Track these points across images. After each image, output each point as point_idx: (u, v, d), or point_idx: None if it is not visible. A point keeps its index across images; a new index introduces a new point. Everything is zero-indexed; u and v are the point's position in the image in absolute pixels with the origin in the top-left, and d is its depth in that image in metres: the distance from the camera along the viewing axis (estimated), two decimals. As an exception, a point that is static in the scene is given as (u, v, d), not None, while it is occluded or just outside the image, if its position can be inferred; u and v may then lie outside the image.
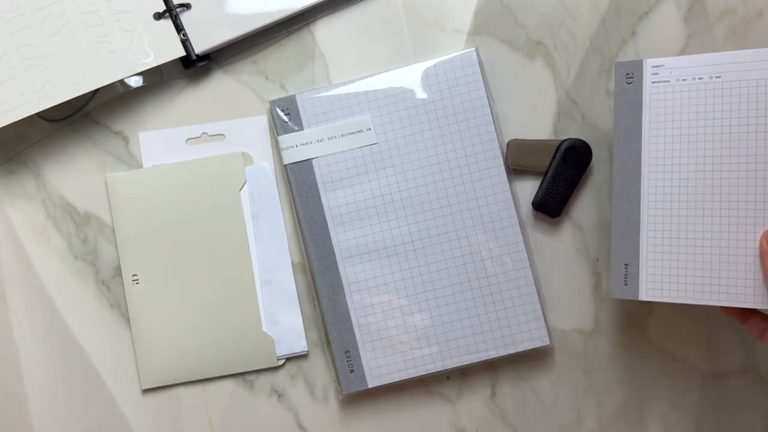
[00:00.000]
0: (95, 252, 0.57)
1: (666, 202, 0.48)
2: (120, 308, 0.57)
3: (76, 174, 0.57)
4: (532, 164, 0.56)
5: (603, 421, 0.57)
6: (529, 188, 0.57)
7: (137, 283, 0.56)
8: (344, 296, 0.55)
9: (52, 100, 0.53)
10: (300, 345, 0.56)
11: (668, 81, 0.48)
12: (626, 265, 0.49)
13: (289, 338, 0.56)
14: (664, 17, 0.57)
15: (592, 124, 0.57)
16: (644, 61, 0.49)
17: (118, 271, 0.57)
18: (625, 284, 0.49)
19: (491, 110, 0.55)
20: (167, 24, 0.56)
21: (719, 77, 0.47)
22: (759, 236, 0.46)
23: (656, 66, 0.48)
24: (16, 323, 0.57)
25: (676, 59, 0.48)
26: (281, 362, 0.56)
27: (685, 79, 0.48)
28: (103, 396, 0.57)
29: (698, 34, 0.57)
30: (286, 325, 0.56)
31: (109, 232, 0.57)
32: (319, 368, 0.57)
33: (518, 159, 0.56)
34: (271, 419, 0.57)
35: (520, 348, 0.54)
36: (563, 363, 0.57)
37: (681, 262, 0.48)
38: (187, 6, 0.56)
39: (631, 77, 0.49)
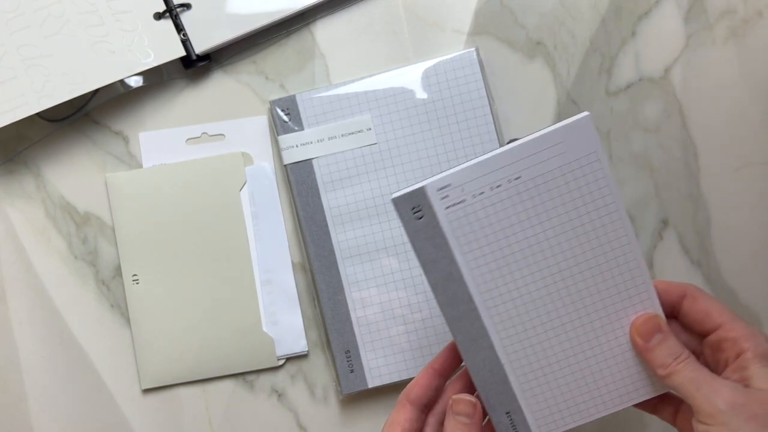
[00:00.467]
0: (95, 252, 0.57)
1: (519, 333, 0.42)
2: (120, 308, 0.57)
3: (76, 174, 0.57)
4: (532, 164, 0.56)
5: (603, 421, 0.56)
6: (529, 188, 0.57)
7: (137, 283, 0.56)
8: (344, 296, 0.55)
9: (52, 100, 0.53)
10: (300, 345, 0.56)
11: (464, 200, 0.40)
12: (508, 413, 0.43)
13: (289, 338, 0.56)
14: (664, 17, 0.57)
15: (592, 124, 0.57)
16: (425, 187, 0.40)
17: (118, 271, 0.57)
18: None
19: (491, 110, 0.55)
20: (167, 24, 0.56)
21: (518, 178, 0.40)
22: (618, 331, 0.42)
23: (442, 188, 0.40)
24: (16, 323, 0.57)
25: (460, 172, 0.40)
26: (281, 362, 0.56)
27: (482, 192, 0.40)
28: (103, 396, 0.57)
29: (698, 34, 0.57)
30: (286, 325, 0.56)
31: (109, 232, 0.57)
32: (319, 368, 0.57)
33: (518, 159, 0.56)
34: (271, 419, 0.57)
35: None
36: (563, 363, 0.57)
37: (557, 389, 0.42)
38: (187, 6, 0.56)
39: (419, 210, 0.40)
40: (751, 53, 0.57)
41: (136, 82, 0.57)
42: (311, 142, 0.55)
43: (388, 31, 0.58)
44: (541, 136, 0.40)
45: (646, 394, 0.43)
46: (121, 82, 0.56)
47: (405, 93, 0.55)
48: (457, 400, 0.42)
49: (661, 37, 0.57)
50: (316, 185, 0.55)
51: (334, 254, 0.55)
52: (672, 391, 0.40)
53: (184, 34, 0.56)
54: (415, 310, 0.55)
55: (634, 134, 0.57)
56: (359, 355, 0.54)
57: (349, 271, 0.55)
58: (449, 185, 0.40)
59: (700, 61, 0.57)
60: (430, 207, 0.40)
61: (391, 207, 0.55)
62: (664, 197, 0.57)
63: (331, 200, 0.55)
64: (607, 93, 0.57)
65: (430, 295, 0.54)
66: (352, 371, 0.54)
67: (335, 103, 0.55)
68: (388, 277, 0.55)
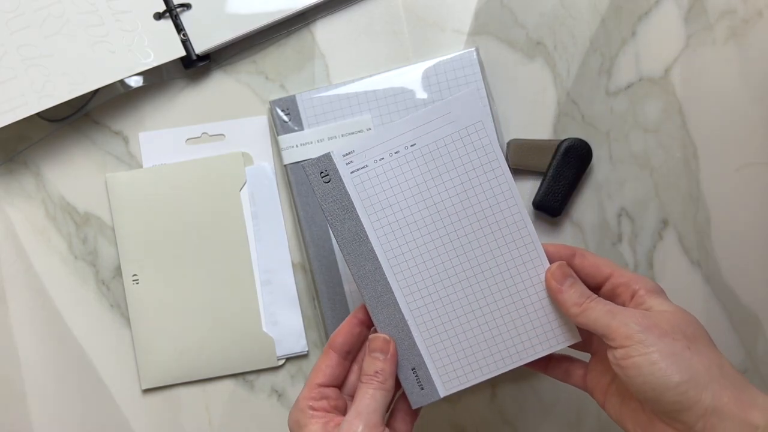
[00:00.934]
0: (95, 252, 0.57)
1: (421, 291, 0.45)
2: (120, 308, 0.57)
3: (76, 174, 0.57)
4: (532, 164, 0.56)
5: (603, 421, 0.57)
6: (529, 188, 0.57)
7: (137, 283, 0.56)
8: (344, 296, 0.55)
9: (52, 100, 0.53)
10: (300, 345, 0.56)
11: (366, 166, 0.44)
12: (413, 369, 0.45)
13: (289, 338, 0.56)
14: (664, 17, 0.57)
15: (592, 124, 0.57)
16: (332, 153, 0.44)
17: (118, 271, 0.57)
18: (422, 389, 0.45)
19: (491, 110, 0.55)
20: (167, 24, 0.56)
21: (414, 145, 0.44)
22: (525, 285, 0.44)
23: (347, 154, 0.44)
24: (16, 323, 0.57)
25: (363, 141, 0.44)
26: (281, 362, 0.56)
27: (382, 158, 0.44)
28: (103, 396, 0.57)
29: (698, 34, 0.57)
30: (286, 325, 0.56)
31: (109, 232, 0.57)
32: (319, 368, 0.56)
33: (518, 159, 0.56)
34: (271, 419, 0.57)
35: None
36: (563, 363, 0.57)
37: (460, 345, 0.45)
38: (187, 6, 0.56)
39: (327, 175, 0.44)
40: (751, 53, 0.57)
41: (136, 82, 0.57)
42: (311, 142, 0.55)
43: (388, 31, 0.58)
44: (433, 107, 0.44)
45: (544, 349, 0.45)
46: (121, 82, 0.56)
47: (405, 93, 0.55)
48: (373, 338, 0.44)
49: (661, 37, 0.57)
50: (316, 185, 0.55)
51: (334, 254, 0.55)
52: (586, 327, 0.42)
53: (184, 34, 0.56)
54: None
55: (634, 134, 0.57)
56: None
57: (348, 271, 0.55)
58: (353, 152, 0.44)
59: (700, 61, 0.57)
60: (336, 171, 0.44)
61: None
62: (664, 197, 0.57)
63: (331, 200, 0.55)
64: (607, 93, 0.57)
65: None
66: (352, 371, 0.54)
67: (335, 103, 0.55)
68: (388, 277, 0.55)
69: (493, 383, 0.57)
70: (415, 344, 0.45)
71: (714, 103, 0.57)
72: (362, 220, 0.44)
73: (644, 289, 0.42)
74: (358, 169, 0.44)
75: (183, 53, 0.56)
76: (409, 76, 0.55)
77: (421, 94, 0.55)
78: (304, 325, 0.56)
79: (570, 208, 0.57)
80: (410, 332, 0.45)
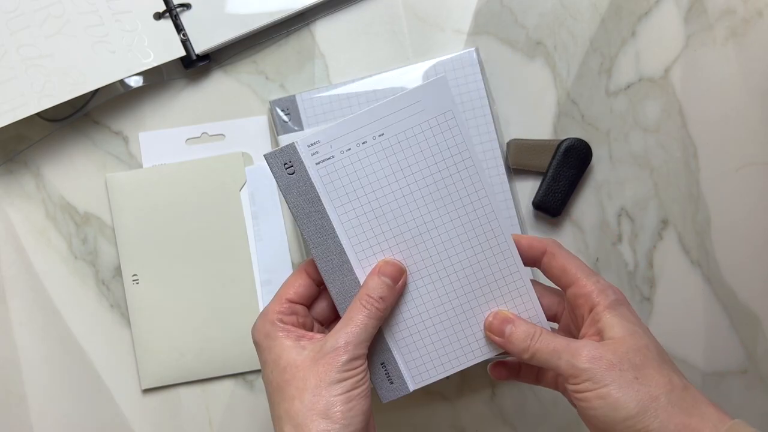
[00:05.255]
0: (95, 252, 0.57)
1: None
2: (120, 308, 0.57)
3: (76, 174, 0.57)
4: (532, 164, 0.56)
5: (603, 421, 0.57)
6: (529, 188, 0.57)
7: (137, 283, 0.56)
8: (344, 296, 0.54)
9: (52, 100, 0.53)
10: (300, 345, 0.56)
11: (332, 156, 0.42)
12: (383, 364, 0.44)
13: (289, 338, 0.56)
14: (664, 17, 0.57)
15: (592, 124, 0.57)
16: (296, 143, 0.42)
17: (118, 271, 0.57)
18: (391, 383, 0.45)
19: (491, 110, 0.55)
20: (167, 24, 0.56)
21: (382, 135, 0.42)
22: (495, 278, 0.44)
23: (312, 144, 0.42)
24: (16, 323, 0.57)
25: (328, 130, 0.42)
26: (281, 362, 0.56)
27: (349, 149, 0.42)
28: (103, 396, 0.57)
29: (698, 34, 0.57)
30: (286, 325, 0.56)
31: (109, 232, 0.57)
32: (319, 368, 0.56)
33: (518, 159, 0.56)
34: (271, 419, 0.56)
35: None
36: (563, 363, 0.56)
37: (428, 340, 0.44)
38: (187, 6, 0.56)
39: (291, 166, 0.43)
40: (751, 53, 0.57)
41: (136, 82, 0.57)
42: (311, 142, 0.55)
43: (388, 31, 0.58)
44: (401, 95, 0.42)
45: (490, 353, 0.45)
46: (121, 82, 0.56)
47: (405, 93, 0.55)
48: (388, 262, 0.43)
49: (661, 37, 0.57)
50: (316, 185, 0.55)
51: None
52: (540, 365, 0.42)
53: (184, 34, 0.56)
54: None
55: (634, 134, 0.57)
56: (359, 355, 0.54)
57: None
58: (318, 142, 0.42)
59: (700, 61, 0.57)
60: (301, 163, 0.43)
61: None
62: (664, 197, 0.57)
63: (330, 200, 0.55)
64: (607, 93, 0.57)
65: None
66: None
67: (335, 103, 0.55)
68: (388, 277, 0.54)
69: (493, 383, 0.57)
70: (384, 339, 0.44)
71: (714, 103, 0.57)
72: (329, 212, 0.43)
73: (603, 304, 0.41)
74: (323, 160, 0.43)
75: (183, 53, 0.56)
76: (409, 76, 0.55)
77: (421, 94, 0.55)
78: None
79: (570, 208, 0.57)
80: (380, 328, 0.44)
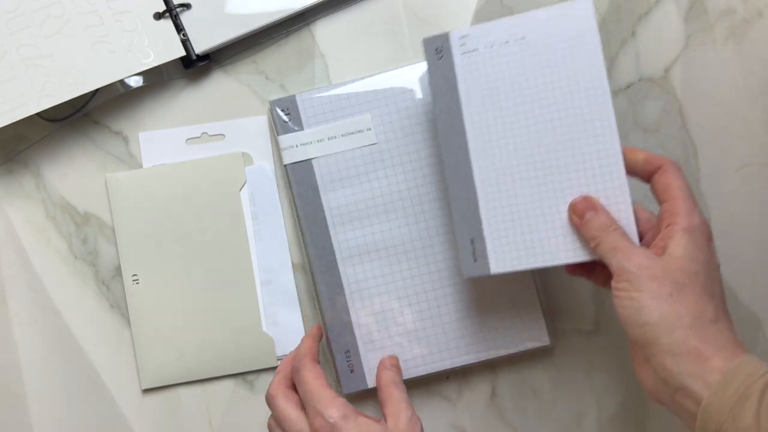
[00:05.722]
0: (95, 252, 0.57)
1: (497, 170, 0.47)
2: (120, 308, 0.57)
3: (76, 174, 0.57)
4: (532, 164, 0.56)
5: (603, 421, 0.57)
6: (529, 188, 0.57)
7: (137, 283, 0.56)
8: (344, 296, 0.55)
9: (52, 100, 0.53)
10: (300, 345, 0.56)
11: (477, 49, 0.47)
12: (472, 241, 0.48)
13: (289, 338, 0.56)
14: (664, 17, 0.57)
15: (592, 124, 0.57)
16: (450, 33, 0.48)
17: (118, 271, 0.57)
18: (475, 261, 0.48)
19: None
20: (167, 24, 0.56)
21: (524, 38, 0.47)
22: (597, 190, 0.47)
23: (463, 36, 0.48)
24: (16, 323, 0.57)
25: (479, 27, 0.47)
26: (281, 362, 0.56)
27: (492, 46, 0.47)
28: (103, 396, 0.57)
29: (698, 34, 0.57)
30: (286, 325, 0.56)
31: (109, 232, 0.57)
32: (319, 368, 0.56)
33: (518, 159, 0.56)
34: (271, 419, 0.56)
35: (520, 348, 0.54)
36: (563, 363, 0.57)
37: (519, 230, 0.47)
38: (187, 6, 0.56)
39: (441, 52, 0.48)
40: (751, 53, 0.57)
41: (136, 82, 0.57)
42: (311, 142, 0.55)
43: (388, 31, 0.58)
44: (547, 8, 0.47)
45: (576, 257, 0.47)
46: (121, 82, 0.56)
47: (405, 93, 0.55)
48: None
49: (661, 37, 0.57)
50: (316, 185, 0.55)
51: (334, 254, 0.55)
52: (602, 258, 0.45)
53: (184, 34, 0.56)
54: (415, 311, 0.55)
55: (634, 134, 0.57)
56: (359, 354, 0.54)
57: (349, 271, 0.55)
58: (468, 35, 0.48)
59: (700, 61, 0.57)
60: (449, 50, 0.48)
61: (391, 207, 0.55)
62: (664, 197, 0.57)
63: (331, 200, 0.55)
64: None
65: (431, 294, 0.54)
66: (352, 371, 0.54)
67: (335, 103, 0.55)
68: (388, 278, 0.55)
69: (493, 383, 0.57)
70: (479, 217, 0.47)
71: (714, 103, 0.57)
72: (461, 97, 0.47)
73: (681, 225, 0.43)
74: (469, 51, 0.47)
75: (183, 53, 0.56)
76: (409, 76, 0.55)
77: (421, 94, 0.55)
78: (304, 325, 0.56)
79: (570, 208, 0.57)
80: (477, 205, 0.47)
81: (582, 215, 0.45)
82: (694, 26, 0.57)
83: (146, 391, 0.57)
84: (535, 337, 0.54)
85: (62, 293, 0.57)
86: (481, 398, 0.57)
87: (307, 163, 0.55)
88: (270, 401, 0.48)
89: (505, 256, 0.47)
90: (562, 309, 0.56)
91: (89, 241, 0.57)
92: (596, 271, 0.49)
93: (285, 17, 0.56)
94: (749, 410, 0.37)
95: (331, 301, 0.55)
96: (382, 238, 0.55)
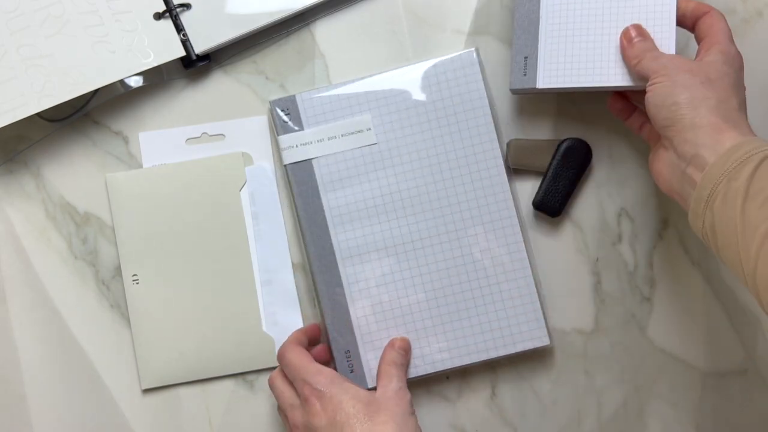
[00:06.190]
0: (95, 252, 0.57)
1: (562, 3, 0.52)
2: (120, 308, 0.57)
3: (76, 174, 0.57)
4: (532, 164, 0.56)
5: (603, 421, 0.57)
6: (529, 188, 0.57)
7: (137, 283, 0.56)
8: (344, 296, 0.55)
9: (52, 100, 0.53)
10: (300, 345, 0.56)
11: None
12: (526, 57, 0.52)
13: (289, 338, 0.56)
14: (664, 17, 0.57)
15: (592, 124, 0.57)
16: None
17: (118, 271, 0.57)
18: (524, 74, 0.52)
19: (491, 110, 0.55)
20: (167, 24, 0.56)
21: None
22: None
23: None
24: (16, 323, 0.57)
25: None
26: (281, 362, 0.56)
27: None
28: (103, 396, 0.57)
29: (698, 34, 0.57)
30: (286, 325, 0.56)
31: (109, 232, 0.57)
32: (319, 368, 0.56)
33: (518, 159, 0.56)
34: (271, 419, 0.56)
35: (520, 348, 0.54)
36: (563, 363, 0.57)
37: (570, 51, 0.51)
38: (187, 6, 0.56)
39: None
40: (751, 53, 0.57)
41: (136, 82, 0.57)
42: (311, 142, 0.55)
43: (388, 31, 0.58)
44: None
45: (623, 81, 0.50)
46: (121, 82, 0.56)
47: (405, 93, 0.55)
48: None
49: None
50: (316, 185, 0.55)
51: (334, 254, 0.55)
52: (641, 76, 0.49)
53: (184, 34, 0.56)
54: (415, 310, 0.55)
55: (634, 134, 0.57)
56: (359, 354, 0.54)
57: (349, 271, 0.55)
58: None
59: (700, 61, 0.57)
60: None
61: (391, 207, 0.55)
62: (664, 197, 0.57)
63: (331, 200, 0.55)
64: (607, 92, 0.57)
65: (431, 294, 0.54)
66: (351, 371, 0.54)
67: (335, 103, 0.55)
68: (387, 277, 0.55)
69: (493, 383, 0.57)
70: (537, 37, 0.52)
71: (714, 103, 0.57)
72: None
73: (718, 47, 0.47)
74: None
75: (183, 53, 0.56)
76: (409, 76, 0.55)
77: (421, 94, 0.55)
78: (304, 325, 0.56)
79: (570, 208, 0.57)
80: (539, 21, 0.52)
81: (631, 39, 0.50)
82: (694, 26, 0.57)
83: (146, 391, 0.57)
84: (535, 337, 0.54)
85: (62, 293, 0.57)
86: (481, 398, 0.57)
87: (307, 163, 0.55)
88: (270, 386, 0.52)
89: (553, 74, 0.51)
90: (562, 309, 0.56)
91: (89, 241, 0.57)
92: (634, 115, 0.53)
93: (285, 17, 0.56)
94: (744, 173, 0.41)
95: (331, 301, 0.55)
96: (382, 237, 0.55)
